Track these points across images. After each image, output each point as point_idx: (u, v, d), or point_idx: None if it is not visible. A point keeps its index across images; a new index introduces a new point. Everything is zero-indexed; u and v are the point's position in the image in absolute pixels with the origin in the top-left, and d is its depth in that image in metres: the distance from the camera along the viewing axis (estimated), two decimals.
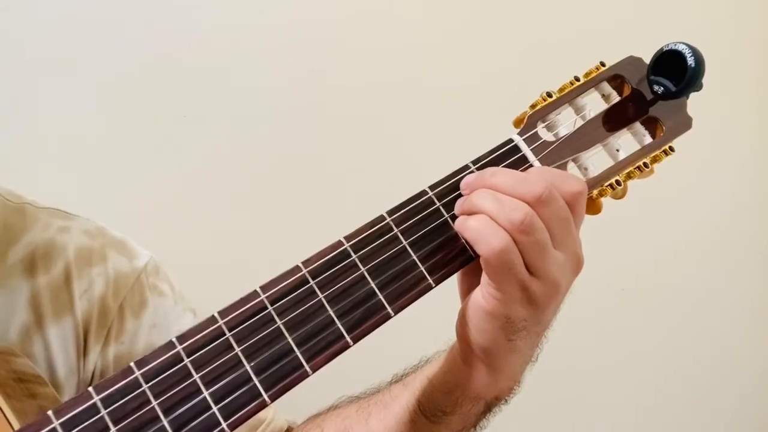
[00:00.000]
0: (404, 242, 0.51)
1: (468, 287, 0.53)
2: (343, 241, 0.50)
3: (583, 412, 1.48)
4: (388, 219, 0.51)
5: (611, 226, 1.43)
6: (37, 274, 0.64)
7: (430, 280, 0.50)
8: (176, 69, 1.21)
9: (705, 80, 0.58)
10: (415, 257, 0.50)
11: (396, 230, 0.51)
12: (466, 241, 0.51)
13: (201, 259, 1.18)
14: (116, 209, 1.14)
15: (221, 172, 1.24)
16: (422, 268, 0.50)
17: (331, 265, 0.49)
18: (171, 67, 1.21)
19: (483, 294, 0.50)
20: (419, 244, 0.51)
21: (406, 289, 0.50)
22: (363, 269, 0.49)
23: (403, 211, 0.52)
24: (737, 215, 1.56)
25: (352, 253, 0.50)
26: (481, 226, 0.49)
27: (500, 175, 0.51)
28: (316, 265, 0.49)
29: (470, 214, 0.50)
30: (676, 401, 1.54)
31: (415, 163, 1.09)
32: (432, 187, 0.53)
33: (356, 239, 0.50)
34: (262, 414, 0.70)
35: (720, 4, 1.50)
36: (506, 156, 0.54)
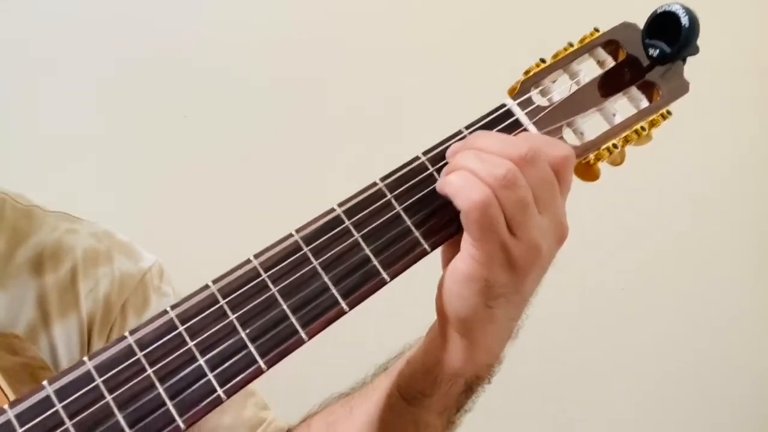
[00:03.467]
0: (398, 208, 0.50)
1: (450, 258, 0.51)
2: (336, 207, 0.50)
3: (581, 410, 1.46)
4: (381, 185, 0.51)
5: (611, 225, 1.43)
6: (45, 273, 0.65)
7: (426, 245, 0.50)
8: (176, 69, 1.22)
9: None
10: (409, 223, 0.50)
11: (389, 196, 0.50)
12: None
13: (201, 259, 1.18)
14: (116, 209, 1.14)
15: (221, 171, 1.24)
16: (417, 234, 0.50)
17: (324, 231, 0.49)
18: (171, 67, 1.22)
19: (462, 256, 0.49)
20: (413, 210, 0.50)
21: (401, 255, 0.49)
22: (357, 235, 0.49)
23: (396, 176, 0.51)
24: (737, 214, 1.55)
25: (346, 220, 0.49)
26: (461, 180, 0.48)
27: (485, 137, 0.50)
28: (309, 231, 0.49)
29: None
30: (674, 399, 1.52)
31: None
32: (425, 153, 0.52)
33: (349, 205, 0.50)
34: (263, 414, 0.70)
35: None
36: (499, 120, 0.54)
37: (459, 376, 0.53)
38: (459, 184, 0.48)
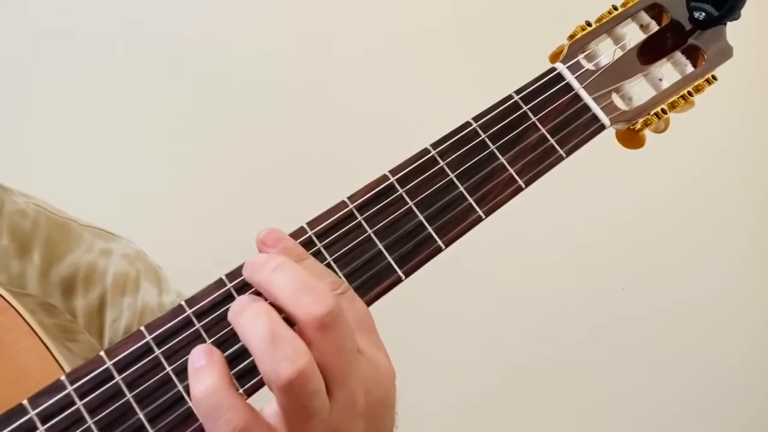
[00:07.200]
0: (451, 175, 0.49)
1: None
2: (389, 175, 0.49)
3: (581, 409, 1.46)
4: (433, 152, 0.50)
5: (612, 225, 1.42)
6: (75, 296, 0.64)
7: (480, 212, 0.49)
8: (177, 68, 1.21)
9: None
10: (462, 189, 0.49)
11: (441, 163, 0.50)
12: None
13: (202, 260, 1.17)
14: (117, 209, 1.12)
15: (221, 171, 1.23)
16: (471, 200, 0.49)
17: (377, 198, 0.48)
18: (171, 67, 1.21)
19: None
20: (466, 177, 0.50)
21: (455, 221, 0.49)
22: (410, 203, 0.48)
23: (447, 143, 0.50)
24: (737, 213, 1.54)
25: (398, 187, 0.49)
26: (214, 399, 0.37)
27: (283, 276, 0.39)
28: (362, 199, 0.48)
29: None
30: (675, 399, 1.52)
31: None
32: (476, 119, 0.51)
33: (401, 173, 0.49)
34: None
35: None
36: (550, 85, 0.53)
37: None
38: (208, 406, 0.37)
